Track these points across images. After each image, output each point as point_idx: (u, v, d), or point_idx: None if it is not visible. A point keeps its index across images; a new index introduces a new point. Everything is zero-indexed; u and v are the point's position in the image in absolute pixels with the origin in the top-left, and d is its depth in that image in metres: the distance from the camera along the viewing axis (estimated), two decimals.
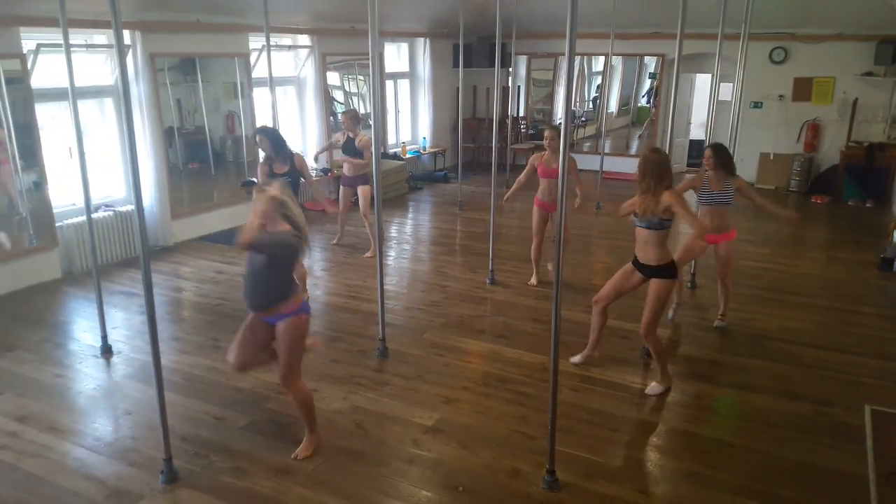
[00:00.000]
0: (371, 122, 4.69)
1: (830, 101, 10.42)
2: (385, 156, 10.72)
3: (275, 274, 3.50)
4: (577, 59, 12.46)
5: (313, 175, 9.45)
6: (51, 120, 6.77)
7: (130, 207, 7.09)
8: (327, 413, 4.22)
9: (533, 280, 6.48)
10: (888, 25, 9.46)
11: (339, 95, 10.46)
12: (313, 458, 3.75)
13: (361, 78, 10.60)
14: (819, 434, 4.02)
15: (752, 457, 3.80)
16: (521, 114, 13.05)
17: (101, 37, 6.91)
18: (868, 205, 9.83)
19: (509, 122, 11.52)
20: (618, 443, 3.96)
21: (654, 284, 4.33)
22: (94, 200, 6.69)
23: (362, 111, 10.60)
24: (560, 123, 6.12)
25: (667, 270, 4.30)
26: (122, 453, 3.82)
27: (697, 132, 12.16)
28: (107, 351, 5.06)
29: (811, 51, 10.37)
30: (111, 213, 7.07)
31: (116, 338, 5.28)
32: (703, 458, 3.83)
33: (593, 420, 4.15)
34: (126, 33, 6.90)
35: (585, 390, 4.51)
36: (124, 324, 5.62)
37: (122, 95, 3.09)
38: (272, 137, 5.73)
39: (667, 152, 4.47)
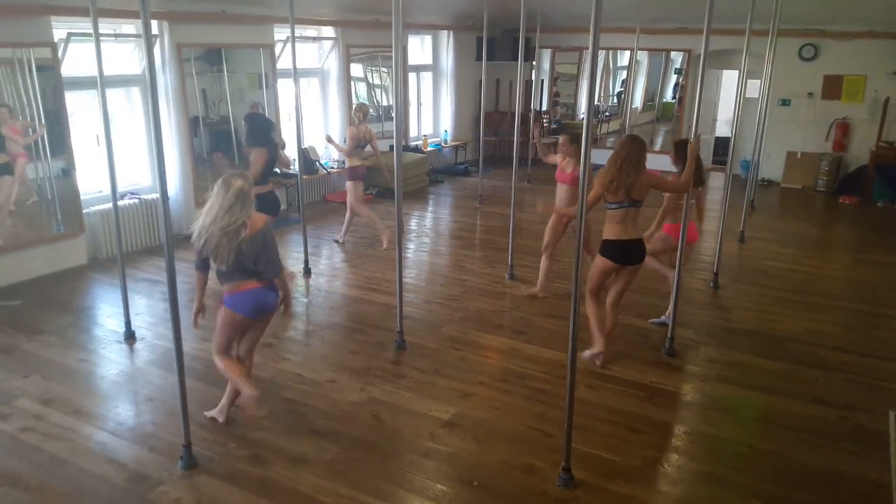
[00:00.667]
0: (393, 115, 4.70)
1: (861, 99, 10.23)
2: (406, 148, 10.73)
3: None
4: (602, 53, 12.34)
5: (329, 167, 9.52)
6: (80, 108, 6.87)
7: (155, 195, 7.18)
8: (344, 404, 4.24)
9: (534, 289, 6.03)
10: None
11: (362, 87, 10.48)
12: (329, 448, 3.78)
13: (385, 70, 10.60)
14: (841, 439, 3.97)
15: (771, 460, 3.76)
16: (545, 108, 12.97)
17: (130, 26, 6.98)
18: None
19: (532, 116, 11.45)
20: (635, 442, 3.93)
21: None
22: (121, 188, 6.77)
23: (385, 103, 10.61)
24: (567, 130, 6.14)
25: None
26: (143, 438, 3.88)
27: (724, 129, 12.02)
28: (130, 337, 5.13)
29: (842, 48, 10.18)
30: (137, 200, 7.16)
31: (139, 324, 5.35)
32: (722, 459, 3.80)
33: (611, 419, 4.13)
34: (154, 23, 6.97)
35: (603, 388, 4.49)
36: (147, 310, 5.70)
37: (149, 85, 3.11)
38: (249, 124, 5.98)
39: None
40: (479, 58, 9.60)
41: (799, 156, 10.78)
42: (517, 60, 6.26)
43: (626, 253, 4.52)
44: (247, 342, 3.92)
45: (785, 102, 10.68)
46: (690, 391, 4.52)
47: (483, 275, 6.66)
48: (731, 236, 7.53)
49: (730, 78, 11.59)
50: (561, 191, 5.78)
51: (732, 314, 5.68)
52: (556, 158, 5.88)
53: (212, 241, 3.50)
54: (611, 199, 4.44)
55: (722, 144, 11.72)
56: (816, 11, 9.65)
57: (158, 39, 7.11)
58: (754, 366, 4.86)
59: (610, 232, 4.51)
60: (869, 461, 3.75)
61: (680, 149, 5.02)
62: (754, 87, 9.10)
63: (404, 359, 4.88)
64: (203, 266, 3.68)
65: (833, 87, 10.39)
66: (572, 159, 5.63)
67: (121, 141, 7.06)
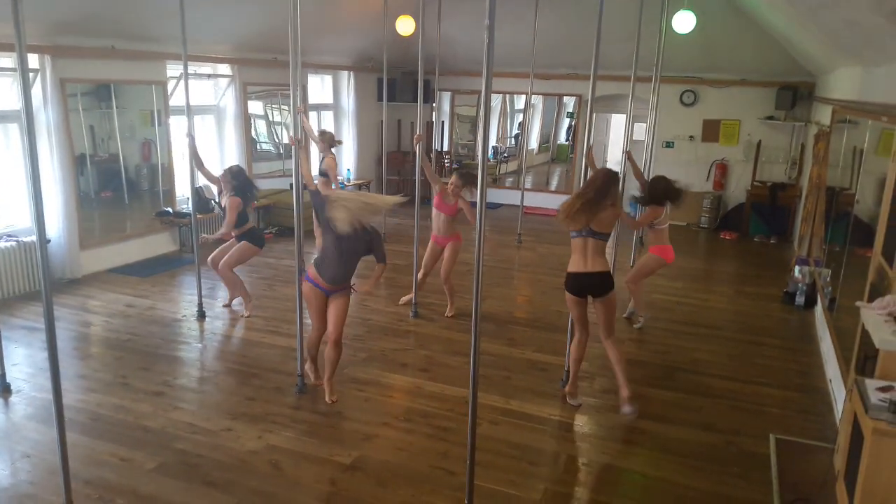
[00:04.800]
0: (292, 153, 4.67)
1: (736, 142, 11.03)
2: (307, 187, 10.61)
3: None
4: (499, 97, 12.76)
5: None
6: None
7: (34, 238, 6.74)
8: (241, 453, 4.08)
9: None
10: (788, 73, 10.15)
11: (261, 124, 10.34)
12: (225, 500, 3.61)
13: (285, 107, 10.52)
14: (728, 463, 4.16)
15: (666, 487, 3.90)
16: (446, 148, 13.21)
17: (8, 60, 6.61)
18: (772, 241, 10.38)
19: (433, 156, 11.63)
20: (537, 476, 3.98)
21: None
22: None
23: (285, 141, 10.50)
24: (459, 170, 6.48)
25: None
26: (19, 500, 3.58)
27: (614, 169, 12.61)
28: (5, 389, 4.76)
29: (718, 94, 10.98)
30: (14, 242, 6.71)
31: (16, 375, 4.97)
32: (619, 489, 3.91)
33: (513, 454, 4.17)
34: (35, 57, 6.63)
35: (505, 423, 4.53)
36: (26, 360, 5.29)
37: (25, 121, 2.94)
38: (238, 179, 6.28)
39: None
40: (381, 98, 9.71)
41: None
42: (417, 102, 6.37)
43: (584, 285, 4.55)
44: None
45: (669, 144, 11.36)
46: (587, 423, 4.64)
47: (387, 314, 6.62)
48: (622, 272, 7.84)
49: (618, 121, 12.22)
50: (440, 220, 6.42)
51: (625, 346, 5.89)
52: (438, 189, 6.35)
53: None
54: (571, 226, 4.48)
55: None
56: (695, 61, 10.42)
57: (39, 74, 6.76)
58: (647, 395, 5.05)
59: (571, 264, 4.58)
60: (754, 484, 3.95)
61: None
62: (641, 130, 9.63)
63: (305, 403, 4.76)
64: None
65: (711, 131, 11.16)
66: (459, 197, 6.23)
67: None
